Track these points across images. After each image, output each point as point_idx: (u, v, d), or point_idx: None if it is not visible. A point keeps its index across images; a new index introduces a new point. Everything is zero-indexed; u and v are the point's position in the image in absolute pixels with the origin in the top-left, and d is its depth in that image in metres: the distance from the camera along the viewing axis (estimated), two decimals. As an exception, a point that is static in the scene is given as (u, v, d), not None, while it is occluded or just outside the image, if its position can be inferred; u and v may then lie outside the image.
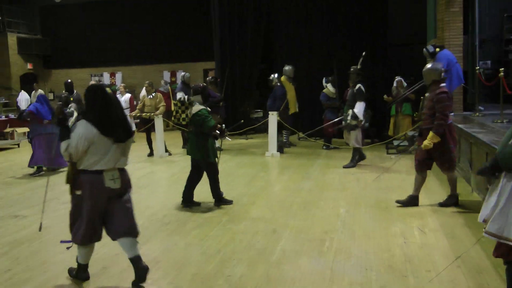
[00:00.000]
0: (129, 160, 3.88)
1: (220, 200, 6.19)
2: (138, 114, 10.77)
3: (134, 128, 12.67)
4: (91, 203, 3.69)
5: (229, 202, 6.23)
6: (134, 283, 3.79)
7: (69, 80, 11.41)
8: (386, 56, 12.70)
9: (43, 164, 8.65)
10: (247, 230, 5.15)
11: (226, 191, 6.94)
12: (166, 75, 17.39)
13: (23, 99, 15.17)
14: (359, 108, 8.20)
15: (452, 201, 5.83)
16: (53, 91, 18.56)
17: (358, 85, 8.29)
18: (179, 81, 17.49)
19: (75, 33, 18.34)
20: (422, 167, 5.84)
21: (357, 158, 8.55)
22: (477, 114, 8.97)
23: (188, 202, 6.22)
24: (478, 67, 9.40)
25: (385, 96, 10.89)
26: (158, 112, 10.49)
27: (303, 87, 12.58)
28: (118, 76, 18.27)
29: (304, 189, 7.02)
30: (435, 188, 6.77)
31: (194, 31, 17.11)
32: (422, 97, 10.95)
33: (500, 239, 3.01)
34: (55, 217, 5.90)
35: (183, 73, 11.88)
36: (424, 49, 9.50)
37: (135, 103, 13.58)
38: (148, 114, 10.57)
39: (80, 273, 3.96)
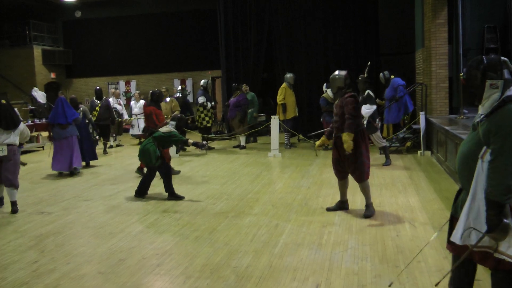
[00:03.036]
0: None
1: (171, 194, 6.44)
2: None
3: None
4: None
5: (181, 198, 6.42)
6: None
7: (98, 87, 11.57)
8: (378, 65, 12.70)
9: (59, 169, 8.49)
10: (252, 224, 5.14)
11: (232, 189, 6.96)
12: (177, 83, 17.38)
13: (39, 95, 15.32)
14: (368, 109, 8.21)
15: (372, 211, 5.31)
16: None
17: (367, 91, 8.36)
18: (188, 88, 17.63)
19: (94, 45, 18.38)
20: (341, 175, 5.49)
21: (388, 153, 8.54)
22: (462, 116, 8.94)
23: (139, 194, 6.59)
24: (462, 74, 9.38)
25: (377, 100, 10.87)
26: (175, 113, 10.51)
27: (302, 93, 12.59)
28: (133, 84, 18.26)
29: (304, 186, 7.00)
30: (423, 185, 6.74)
31: (203, 42, 17.12)
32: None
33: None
34: (77, 213, 5.90)
35: (204, 80, 11.86)
36: (381, 74, 9.77)
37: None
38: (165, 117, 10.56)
39: None
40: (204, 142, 7.01)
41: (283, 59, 13.29)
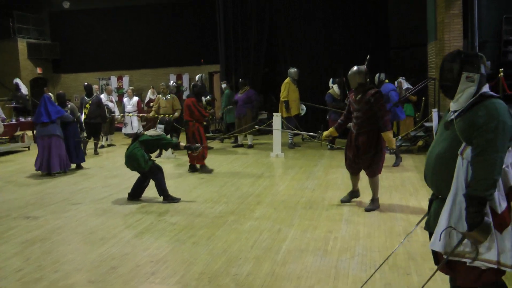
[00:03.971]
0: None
1: (166, 197, 6.46)
2: (156, 115, 10.80)
3: (142, 130, 12.73)
4: None
5: (176, 200, 6.45)
6: None
7: (87, 83, 11.53)
8: (388, 58, 12.68)
9: (40, 169, 8.64)
10: (253, 229, 5.14)
11: (232, 191, 6.96)
12: (173, 78, 17.39)
13: (22, 86, 15.41)
14: None
15: (376, 205, 5.74)
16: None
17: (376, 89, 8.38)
18: (185, 84, 17.62)
19: (83, 38, 18.38)
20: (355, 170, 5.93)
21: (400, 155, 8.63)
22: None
23: (132, 197, 6.60)
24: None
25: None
26: (175, 115, 10.54)
27: (306, 89, 12.59)
28: (125, 79, 18.28)
29: (308, 188, 7.00)
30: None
31: (200, 35, 17.13)
32: (423, 98, 10.96)
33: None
34: (66, 217, 5.91)
35: (198, 75, 11.97)
36: (377, 75, 9.72)
37: (142, 106, 13.61)
38: (166, 115, 10.55)
39: None
40: (197, 144, 7.03)
41: (286, 53, 13.28)
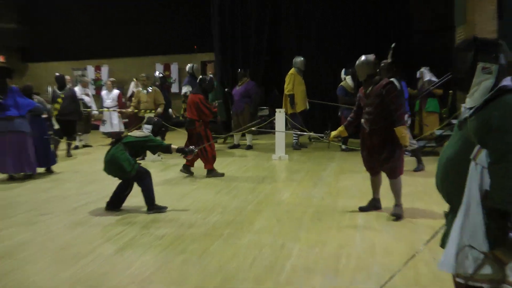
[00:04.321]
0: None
1: (152, 207, 6.45)
2: (136, 111, 10.76)
3: (122, 129, 12.72)
4: None
5: (163, 208, 6.45)
6: None
7: (58, 74, 11.52)
8: (409, 44, 12.63)
9: (5, 171, 8.59)
10: (252, 244, 5.13)
11: (228, 200, 6.94)
12: (159, 68, 17.40)
13: None
14: None
15: (401, 211, 5.88)
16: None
17: (388, 80, 8.34)
18: (173, 75, 17.63)
19: (56, 22, 18.42)
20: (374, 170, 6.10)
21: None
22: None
23: (112, 207, 6.57)
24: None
25: (409, 89, 10.81)
26: (158, 110, 10.50)
27: (314, 81, 12.59)
28: (104, 70, 18.32)
29: (316, 197, 7.00)
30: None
31: (191, 19, 17.14)
32: (450, 91, 10.94)
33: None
34: (33, 230, 5.88)
35: (189, 65, 12.00)
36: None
37: (123, 100, 13.61)
38: (147, 111, 10.53)
39: None
40: (191, 146, 7.02)
41: (291, 39, 13.26)
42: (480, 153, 2.41)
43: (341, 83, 10.71)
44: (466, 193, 2.44)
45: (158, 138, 6.91)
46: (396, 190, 5.90)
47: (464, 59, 2.53)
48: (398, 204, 5.91)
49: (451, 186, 2.55)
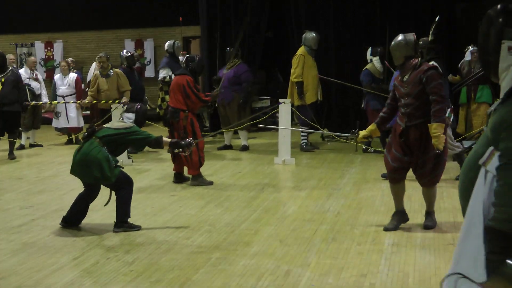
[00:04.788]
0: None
1: (121, 224, 6.39)
2: (94, 102, 10.79)
3: (82, 124, 12.72)
4: None
5: (135, 228, 6.42)
6: None
7: None
8: (452, 17, 12.66)
9: None
10: (249, 271, 5.15)
11: (218, 215, 6.97)
12: (129, 46, 17.40)
13: None
14: None
15: (434, 221, 6.16)
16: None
17: (431, 63, 8.39)
18: (148, 55, 17.63)
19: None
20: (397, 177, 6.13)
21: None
22: None
23: (69, 223, 6.54)
24: None
25: (450, 76, 10.85)
26: (124, 100, 10.49)
27: (330, 65, 12.60)
28: (58, 46, 18.30)
29: (330, 211, 7.03)
30: None
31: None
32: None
33: None
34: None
35: (169, 42, 11.98)
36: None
37: (83, 86, 13.62)
38: (108, 102, 10.55)
39: None
40: (189, 139, 6.91)
41: (300, 11, 13.27)
42: (492, 158, 2.33)
43: (366, 66, 10.65)
44: (470, 206, 2.39)
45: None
46: (429, 197, 6.12)
47: (487, 36, 2.44)
48: (430, 212, 6.14)
49: (462, 195, 2.53)
